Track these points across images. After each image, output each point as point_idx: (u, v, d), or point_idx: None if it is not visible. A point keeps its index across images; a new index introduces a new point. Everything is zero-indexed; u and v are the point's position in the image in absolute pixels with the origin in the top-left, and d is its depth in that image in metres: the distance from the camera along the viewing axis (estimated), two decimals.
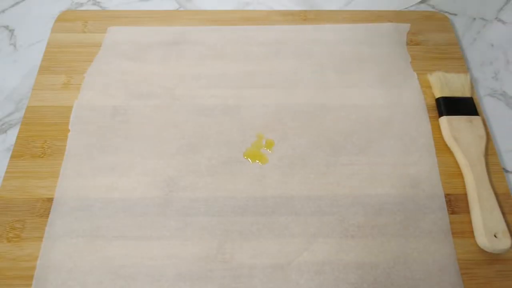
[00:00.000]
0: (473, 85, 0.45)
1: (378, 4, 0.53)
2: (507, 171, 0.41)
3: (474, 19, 0.53)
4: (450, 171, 0.41)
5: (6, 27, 0.52)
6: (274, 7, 0.54)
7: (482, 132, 0.41)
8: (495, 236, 0.35)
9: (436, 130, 0.43)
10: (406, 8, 0.53)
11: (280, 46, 0.49)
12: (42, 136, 0.42)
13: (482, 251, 0.36)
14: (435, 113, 0.44)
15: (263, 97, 0.45)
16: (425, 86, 0.46)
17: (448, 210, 0.38)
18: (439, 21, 0.51)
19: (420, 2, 0.54)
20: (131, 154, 0.41)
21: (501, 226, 0.36)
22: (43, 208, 0.38)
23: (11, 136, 0.44)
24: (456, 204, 0.39)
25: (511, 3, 0.55)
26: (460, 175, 0.40)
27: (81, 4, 0.54)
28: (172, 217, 0.38)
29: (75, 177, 0.40)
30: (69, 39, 0.49)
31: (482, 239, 0.36)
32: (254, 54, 0.48)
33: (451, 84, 0.44)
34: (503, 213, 0.38)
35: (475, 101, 0.44)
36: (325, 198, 0.39)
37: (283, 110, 0.44)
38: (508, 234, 0.36)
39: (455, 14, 0.54)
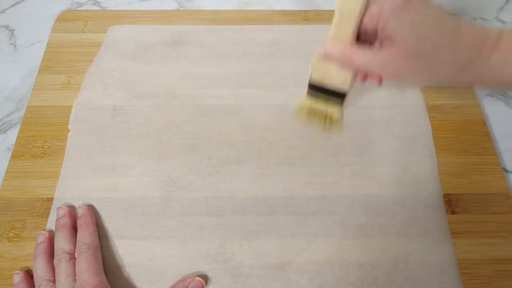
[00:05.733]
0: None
1: None
2: (507, 171, 0.41)
3: (474, 19, 0.53)
4: (450, 171, 0.41)
5: (6, 27, 0.52)
6: (274, 7, 0.54)
7: None
8: None
9: (436, 130, 0.43)
10: None
11: (280, 46, 0.49)
12: (42, 136, 0.42)
13: (482, 251, 0.36)
14: (435, 113, 0.44)
15: (263, 97, 0.45)
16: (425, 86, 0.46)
17: (448, 210, 0.38)
18: None
19: None
20: (131, 154, 0.41)
21: None
22: (43, 208, 0.39)
23: (11, 136, 0.44)
24: (456, 204, 0.39)
25: (511, 3, 0.55)
26: (460, 175, 0.40)
27: (81, 4, 0.54)
28: (172, 217, 0.38)
29: (75, 177, 0.40)
30: (69, 39, 0.49)
31: None
32: (254, 54, 0.48)
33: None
34: (503, 213, 0.38)
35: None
36: (325, 198, 0.39)
37: (283, 110, 0.44)
38: None
39: (455, 14, 0.54)
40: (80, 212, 0.37)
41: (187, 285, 0.34)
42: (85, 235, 0.35)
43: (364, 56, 0.33)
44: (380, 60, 0.32)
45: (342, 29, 0.34)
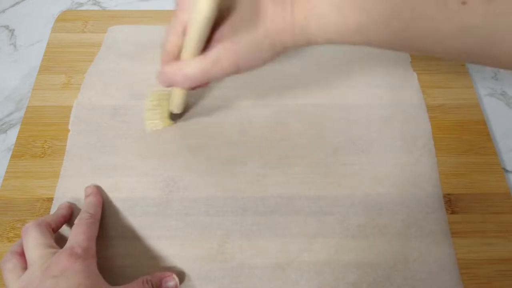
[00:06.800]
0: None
1: None
2: (507, 171, 0.41)
3: None
4: (450, 171, 0.41)
5: (6, 27, 0.52)
6: None
7: None
8: None
9: (436, 130, 0.43)
10: None
11: None
12: (42, 136, 0.42)
13: (482, 251, 0.36)
14: (435, 113, 0.44)
15: (263, 97, 0.45)
16: (425, 86, 0.46)
17: (448, 210, 0.38)
18: None
19: None
20: (131, 154, 0.41)
21: None
22: (43, 208, 0.39)
23: (11, 136, 0.44)
24: (456, 204, 0.39)
25: None
26: (460, 175, 0.40)
27: (81, 4, 0.54)
28: (172, 217, 0.38)
29: (75, 177, 0.40)
30: (69, 39, 0.49)
31: None
32: None
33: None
34: (503, 213, 0.38)
35: None
36: (325, 198, 0.39)
37: (284, 110, 0.44)
38: None
39: None
40: (88, 191, 0.38)
41: (162, 278, 0.34)
42: (91, 206, 0.36)
43: (194, 65, 0.31)
44: (209, 61, 0.31)
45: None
